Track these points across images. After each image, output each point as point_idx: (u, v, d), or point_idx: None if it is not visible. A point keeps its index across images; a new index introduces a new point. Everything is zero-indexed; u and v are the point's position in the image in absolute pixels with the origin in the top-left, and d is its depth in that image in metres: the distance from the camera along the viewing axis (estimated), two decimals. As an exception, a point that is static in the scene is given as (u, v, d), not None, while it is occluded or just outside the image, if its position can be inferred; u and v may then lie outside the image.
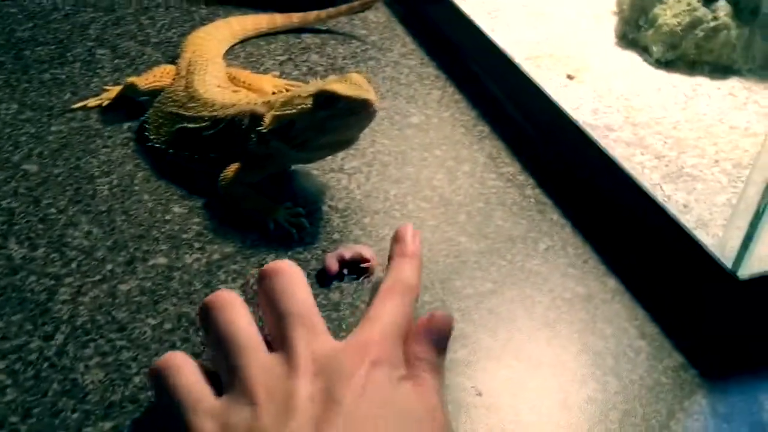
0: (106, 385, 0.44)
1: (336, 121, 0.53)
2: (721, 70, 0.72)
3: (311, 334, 0.38)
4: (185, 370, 0.38)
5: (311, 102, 0.53)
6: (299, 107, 0.54)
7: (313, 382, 0.35)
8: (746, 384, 0.47)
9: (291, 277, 0.41)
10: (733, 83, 0.71)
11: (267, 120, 0.55)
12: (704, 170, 0.59)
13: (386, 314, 0.40)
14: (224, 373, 0.38)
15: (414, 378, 0.38)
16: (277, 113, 0.55)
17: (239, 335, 0.38)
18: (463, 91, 0.75)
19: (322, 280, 0.52)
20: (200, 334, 0.47)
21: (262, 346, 0.38)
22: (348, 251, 0.53)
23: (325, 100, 0.53)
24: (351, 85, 0.53)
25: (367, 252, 0.53)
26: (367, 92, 0.52)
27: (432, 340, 0.40)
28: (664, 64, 0.73)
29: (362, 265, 0.53)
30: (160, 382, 0.38)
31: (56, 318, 0.48)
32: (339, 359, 0.36)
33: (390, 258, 0.45)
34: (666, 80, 0.71)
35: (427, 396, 0.37)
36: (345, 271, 0.52)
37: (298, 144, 0.55)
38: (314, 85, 0.55)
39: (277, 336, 0.39)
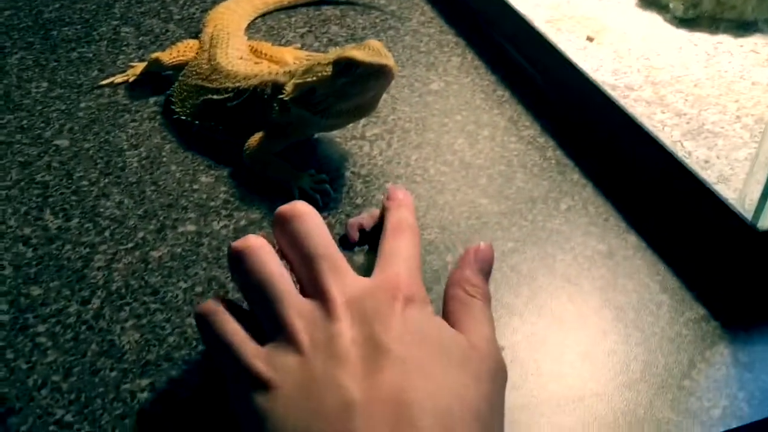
0: (141, 345, 0.45)
1: (356, 86, 0.54)
2: (743, 26, 0.72)
3: (340, 275, 0.38)
4: (227, 316, 0.38)
5: (331, 69, 0.54)
6: (320, 74, 0.55)
7: (353, 326, 0.35)
8: (767, 333, 0.47)
9: (310, 218, 0.41)
10: (756, 40, 0.70)
11: (288, 88, 0.56)
12: (726, 126, 0.58)
13: (403, 249, 0.41)
14: (265, 319, 0.38)
15: (464, 306, 0.40)
16: (298, 81, 0.56)
17: (274, 281, 0.38)
18: (482, 57, 0.76)
19: (344, 245, 0.53)
20: (229, 297, 0.49)
21: (296, 291, 0.38)
22: (368, 219, 0.53)
23: (344, 66, 0.54)
24: (369, 51, 0.54)
25: None
26: (384, 57, 0.53)
27: (481, 268, 0.42)
28: (685, 23, 0.72)
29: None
30: (206, 328, 0.39)
31: (92, 283, 0.50)
32: (374, 299, 0.37)
33: (383, 211, 0.46)
34: (687, 39, 0.70)
35: (480, 327, 0.39)
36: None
37: (319, 111, 0.56)
38: (334, 53, 0.56)
39: (308, 280, 0.38)
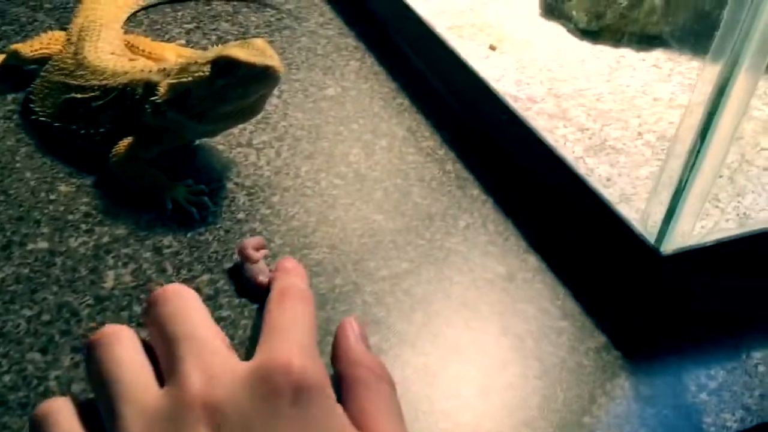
0: (-32, 386, 0.38)
1: (236, 89, 0.49)
2: (645, 40, 0.70)
3: (204, 359, 0.29)
4: (64, 420, 0.30)
5: (209, 69, 0.49)
6: (196, 74, 0.49)
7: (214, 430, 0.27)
8: (670, 364, 0.45)
9: (180, 298, 0.33)
10: (658, 54, 0.69)
11: (162, 89, 0.50)
12: (627, 143, 0.57)
13: (291, 319, 0.33)
14: (104, 421, 0.30)
15: (370, 393, 0.31)
16: (173, 81, 0.50)
17: (121, 373, 0.30)
18: (382, 62, 0.72)
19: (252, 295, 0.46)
20: (82, 326, 0.43)
21: (152, 384, 0.30)
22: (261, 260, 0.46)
23: (224, 66, 0.48)
24: (252, 50, 0.48)
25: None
26: (269, 58, 0.48)
27: (365, 343, 0.35)
28: (589, 35, 0.71)
29: None
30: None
31: None
32: (250, 397, 0.28)
33: (271, 281, 0.40)
34: (590, 51, 0.69)
35: (393, 425, 0.31)
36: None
37: (195, 115, 0.50)
38: (213, 51, 0.50)
39: (165, 368, 0.30)
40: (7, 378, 0.39)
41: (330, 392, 0.29)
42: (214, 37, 0.72)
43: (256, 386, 0.28)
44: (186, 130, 0.53)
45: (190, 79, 0.49)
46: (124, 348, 0.32)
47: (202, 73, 0.49)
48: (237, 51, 0.48)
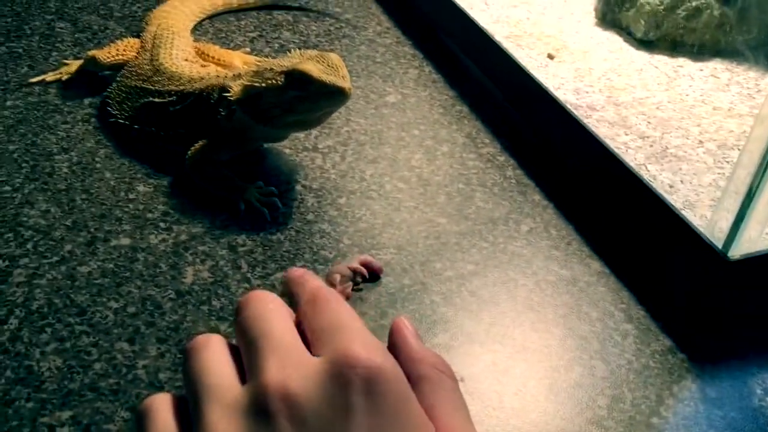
0: (63, 372, 0.41)
1: (306, 102, 0.51)
2: (702, 51, 0.71)
3: (283, 352, 0.30)
4: (158, 417, 0.31)
5: (283, 79, 0.51)
6: (270, 81, 0.51)
7: (296, 428, 0.28)
8: (736, 368, 0.45)
9: (262, 302, 0.33)
10: (715, 64, 0.70)
11: (235, 88, 0.52)
12: (689, 151, 0.57)
13: (336, 316, 0.32)
14: (194, 424, 0.31)
15: (436, 387, 0.31)
16: (246, 83, 0.52)
17: (206, 377, 0.31)
18: (440, 70, 0.73)
19: None
20: (165, 319, 0.45)
21: (234, 384, 0.31)
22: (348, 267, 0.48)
23: (297, 80, 0.50)
24: (326, 67, 0.50)
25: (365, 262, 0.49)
26: (342, 78, 0.50)
27: (420, 340, 0.37)
28: (645, 44, 0.71)
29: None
30: (139, 429, 0.32)
31: (10, 301, 0.44)
32: (323, 387, 0.28)
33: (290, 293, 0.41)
34: (647, 61, 0.69)
35: (460, 417, 0.31)
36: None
37: (264, 119, 0.52)
38: (290, 59, 0.52)
39: (248, 365, 0.31)
40: (98, 366, 0.41)
41: (403, 379, 0.29)
42: (276, 45, 0.75)
43: (328, 382, 0.28)
44: (254, 133, 0.55)
45: (264, 84, 0.51)
46: (211, 353, 0.33)
47: (275, 81, 0.51)
48: (312, 66, 0.50)
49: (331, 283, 0.47)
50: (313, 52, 0.52)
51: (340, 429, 0.27)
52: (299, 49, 0.54)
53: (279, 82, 0.51)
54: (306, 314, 0.33)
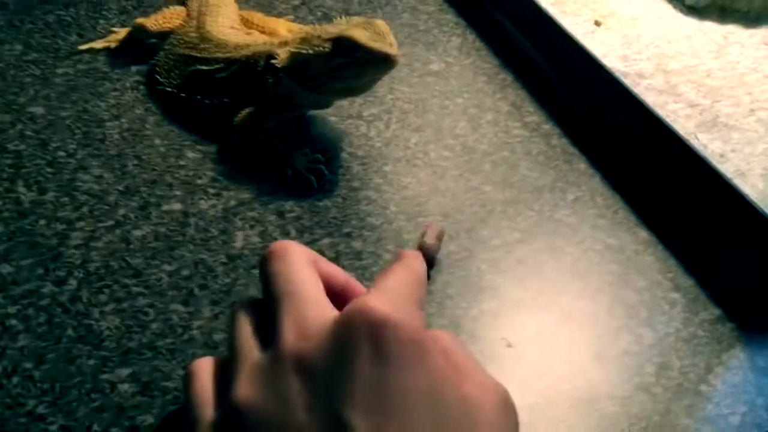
0: (122, 331, 0.42)
1: (353, 69, 0.51)
2: (752, 18, 0.69)
3: (299, 312, 0.31)
4: (198, 379, 0.33)
5: (330, 45, 0.51)
6: (317, 48, 0.51)
7: (307, 386, 0.28)
8: (786, 338, 0.45)
9: (286, 255, 0.34)
10: (766, 32, 0.68)
11: (282, 55, 0.53)
12: (740, 119, 0.56)
13: (390, 279, 0.33)
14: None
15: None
16: (293, 50, 0.52)
17: (237, 340, 0.33)
18: (484, 39, 0.72)
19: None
20: (218, 281, 0.46)
21: (256, 346, 0.32)
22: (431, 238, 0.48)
23: (344, 47, 0.50)
24: (373, 34, 0.50)
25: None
26: (389, 45, 0.50)
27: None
28: (694, 11, 0.70)
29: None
30: (184, 392, 0.34)
31: (69, 263, 0.46)
32: (334, 344, 0.29)
33: None
34: (696, 28, 0.68)
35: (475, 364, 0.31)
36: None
37: (309, 86, 0.52)
38: (337, 26, 0.52)
39: (272, 324, 0.32)
40: (154, 326, 0.42)
41: (415, 332, 0.29)
42: (319, 14, 0.75)
43: (338, 333, 0.29)
44: (300, 100, 0.55)
45: (311, 51, 0.52)
46: (243, 315, 0.34)
47: (322, 48, 0.51)
48: (359, 33, 0.50)
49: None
50: (360, 19, 0.52)
51: (341, 374, 0.28)
52: (344, 16, 0.54)
53: (326, 49, 0.51)
54: (377, 278, 0.34)
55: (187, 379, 0.34)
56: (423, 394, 0.27)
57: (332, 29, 0.52)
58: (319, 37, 0.52)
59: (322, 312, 0.31)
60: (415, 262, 0.35)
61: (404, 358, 0.28)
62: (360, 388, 0.27)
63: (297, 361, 0.29)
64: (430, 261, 0.47)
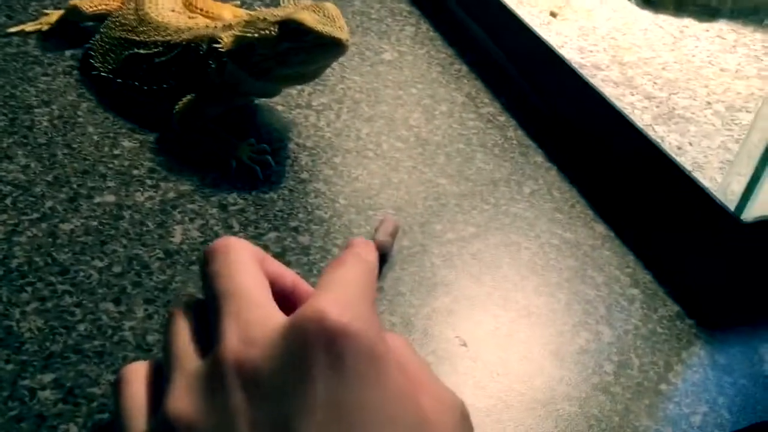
0: (45, 333, 0.38)
1: (301, 54, 0.48)
2: (708, 12, 0.69)
3: (246, 313, 0.28)
4: (131, 386, 0.31)
5: (276, 29, 0.48)
6: (262, 32, 0.48)
7: (252, 400, 0.26)
8: (746, 334, 0.44)
9: (229, 253, 0.31)
10: (721, 26, 0.68)
11: (225, 39, 0.50)
12: (696, 112, 0.55)
13: (340, 278, 0.30)
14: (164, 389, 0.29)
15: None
16: (238, 34, 0.49)
17: (174, 344, 0.30)
18: (438, 28, 0.70)
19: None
20: (153, 279, 0.42)
21: (196, 351, 0.29)
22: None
23: (291, 30, 0.47)
24: (323, 17, 0.48)
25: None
26: (339, 29, 0.47)
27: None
28: (650, 4, 0.69)
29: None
30: (114, 398, 0.31)
31: (-13, 259, 0.42)
32: (283, 347, 0.26)
33: None
34: (652, 21, 0.67)
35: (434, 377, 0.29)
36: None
37: (255, 72, 0.50)
38: (284, 9, 0.49)
39: (213, 327, 0.29)
40: (81, 327, 0.39)
41: (376, 344, 0.26)
42: (267, 0, 0.72)
43: (289, 341, 0.26)
44: (245, 87, 0.52)
45: (256, 35, 0.49)
46: (181, 319, 0.31)
47: (269, 32, 0.48)
48: (308, 16, 0.47)
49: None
50: (308, 2, 0.50)
51: (299, 393, 0.25)
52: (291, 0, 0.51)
53: (272, 33, 0.48)
54: (325, 271, 0.31)
55: (118, 386, 0.31)
56: (381, 411, 0.25)
57: (279, 12, 0.49)
58: (265, 20, 0.49)
59: (267, 316, 0.28)
60: (367, 253, 0.33)
61: (362, 372, 0.25)
62: (315, 401, 0.25)
63: (240, 369, 0.26)
64: (383, 257, 0.45)
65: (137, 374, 0.31)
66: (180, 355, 0.29)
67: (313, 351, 0.25)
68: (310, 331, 0.26)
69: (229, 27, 0.52)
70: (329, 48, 0.48)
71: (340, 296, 0.28)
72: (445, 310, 0.43)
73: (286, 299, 0.32)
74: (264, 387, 0.25)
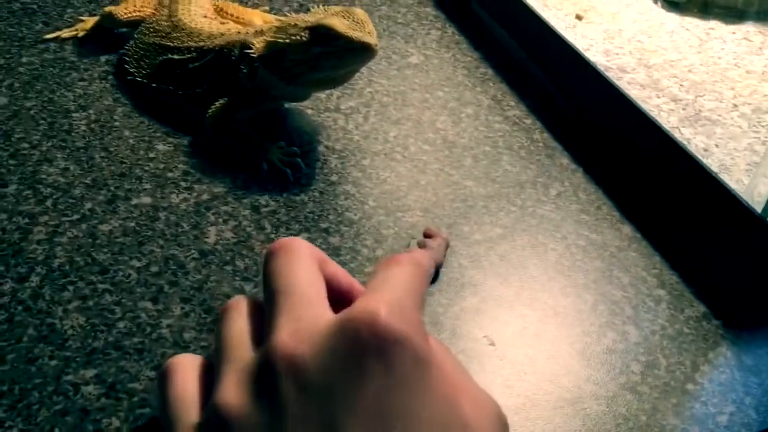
0: (86, 330, 0.40)
1: (331, 59, 0.49)
2: (734, 14, 0.69)
3: (300, 310, 0.29)
4: (180, 377, 0.31)
5: (307, 34, 0.49)
6: (294, 37, 0.50)
7: (301, 394, 0.26)
8: (773, 335, 0.44)
9: (287, 253, 0.32)
10: (748, 27, 0.68)
11: (258, 45, 0.51)
12: (723, 114, 0.56)
13: (392, 280, 0.30)
14: (215, 382, 0.30)
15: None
16: (270, 39, 0.51)
17: (227, 338, 0.31)
18: (463, 32, 0.71)
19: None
20: (189, 278, 0.44)
21: (248, 345, 0.30)
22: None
23: (322, 35, 0.48)
24: (353, 23, 0.49)
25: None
26: (369, 34, 0.48)
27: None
28: (676, 6, 0.69)
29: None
30: (159, 389, 0.32)
31: (31, 259, 0.43)
32: (334, 346, 0.26)
33: None
34: (678, 23, 0.67)
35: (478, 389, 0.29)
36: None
37: (287, 77, 0.51)
38: (314, 15, 0.50)
39: (267, 323, 0.30)
40: (121, 324, 0.40)
41: (424, 350, 0.27)
42: (296, 5, 0.73)
43: (340, 340, 0.27)
44: (276, 91, 0.53)
45: (287, 40, 0.50)
46: (236, 315, 0.32)
47: (299, 37, 0.49)
48: (338, 22, 0.48)
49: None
50: (338, 8, 0.51)
51: (346, 392, 0.25)
52: (321, 5, 0.53)
53: (303, 38, 0.49)
54: (377, 270, 0.31)
55: (165, 377, 0.31)
56: (426, 416, 0.26)
57: (309, 18, 0.50)
58: (295, 26, 0.50)
59: (319, 314, 0.29)
60: (423, 257, 0.33)
61: (409, 377, 0.26)
62: (363, 404, 0.25)
63: (289, 364, 0.27)
64: (435, 273, 0.46)
65: (185, 366, 0.32)
66: (232, 348, 0.30)
67: (363, 353, 0.26)
68: (361, 332, 0.26)
69: (261, 33, 0.53)
70: (359, 52, 0.49)
71: (392, 298, 0.28)
72: (473, 309, 0.44)
73: (341, 300, 0.32)
74: (312, 384, 0.26)
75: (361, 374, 0.26)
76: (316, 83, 0.53)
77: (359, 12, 0.49)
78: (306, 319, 0.28)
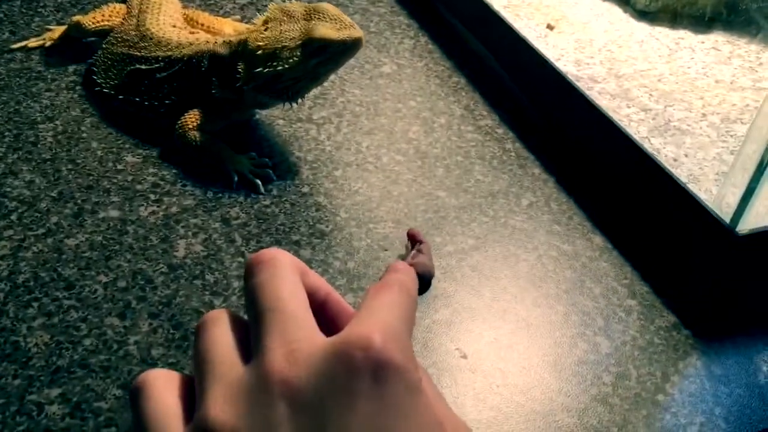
0: (51, 348, 0.39)
1: (328, 64, 0.51)
2: (703, 23, 0.70)
3: (290, 330, 0.28)
4: (157, 392, 0.30)
5: (300, 53, 0.49)
6: (290, 61, 0.49)
7: (295, 415, 0.26)
8: (742, 344, 0.45)
9: (273, 267, 0.31)
10: (716, 37, 0.68)
11: (244, 76, 0.50)
12: (692, 124, 0.56)
13: (384, 305, 0.30)
14: (197, 400, 0.29)
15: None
16: (260, 70, 0.50)
17: (212, 353, 0.30)
18: (436, 41, 0.71)
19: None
20: (157, 293, 0.43)
21: (237, 362, 0.29)
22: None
23: (316, 49, 0.49)
24: (333, 22, 0.49)
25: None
26: (352, 27, 0.50)
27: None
28: (646, 16, 0.70)
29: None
30: (134, 404, 0.30)
31: (-6, 275, 0.43)
32: (328, 372, 0.27)
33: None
34: (648, 33, 0.68)
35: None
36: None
37: (285, 94, 0.51)
38: (285, 24, 0.50)
39: (254, 341, 0.29)
40: (87, 342, 0.40)
41: (415, 378, 0.27)
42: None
43: (334, 363, 0.27)
44: (248, 101, 0.53)
45: (285, 66, 0.49)
46: (218, 329, 0.31)
47: (294, 59, 0.49)
48: (324, 30, 0.49)
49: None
50: (297, 5, 0.51)
51: (339, 414, 0.26)
52: (276, 1, 0.53)
53: (297, 58, 0.49)
54: (367, 296, 0.31)
55: (140, 393, 0.30)
56: None
57: (294, 32, 0.50)
58: (285, 48, 0.49)
59: (311, 336, 0.29)
60: (411, 282, 0.33)
61: (400, 402, 0.26)
62: (356, 422, 0.25)
63: (287, 389, 0.27)
64: (427, 284, 0.46)
65: (161, 380, 0.31)
66: (217, 363, 0.29)
67: (357, 377, 0.26)
68: (356, 358, 0.26)
69: (228, 43, 0.52)
70: (351, 48, 0.50)
71: (385, 325, 0.28)
72: (445, 322, 0.44)
73: (320, 311, 0.32)
74: (307, 406, 0.26)
75: (355, 397, 0.26)
76: (314, 87, 0.54)
77: (329, 7, 0.50)
78: (300, 341, 0.28)
